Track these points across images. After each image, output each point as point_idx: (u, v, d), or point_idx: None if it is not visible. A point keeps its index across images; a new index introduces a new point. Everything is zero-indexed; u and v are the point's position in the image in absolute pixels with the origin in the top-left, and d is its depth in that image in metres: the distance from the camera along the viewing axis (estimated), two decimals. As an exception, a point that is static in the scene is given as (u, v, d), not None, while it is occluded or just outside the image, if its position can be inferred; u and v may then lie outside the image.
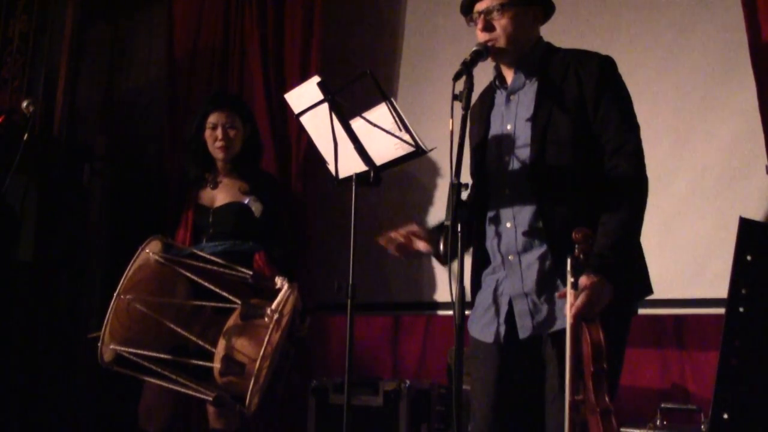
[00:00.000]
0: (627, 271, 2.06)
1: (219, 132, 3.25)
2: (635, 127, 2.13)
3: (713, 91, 3.21)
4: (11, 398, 3.72)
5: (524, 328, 2.14)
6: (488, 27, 2.20)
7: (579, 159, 2.12)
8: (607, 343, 1.88)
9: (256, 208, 3.23)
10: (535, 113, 2.16)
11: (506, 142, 2.22)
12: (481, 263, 2.30)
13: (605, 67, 2.17)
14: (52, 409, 3.88)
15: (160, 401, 3.02)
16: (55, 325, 3.94)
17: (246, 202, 3.24)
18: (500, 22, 2.19)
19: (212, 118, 3.27)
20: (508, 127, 2.23)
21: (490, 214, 2.24)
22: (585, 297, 1.92)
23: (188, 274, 2.73)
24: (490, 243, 2.24)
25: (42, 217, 3.99)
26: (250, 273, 2.79)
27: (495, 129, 2.28)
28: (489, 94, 2.38)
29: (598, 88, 2.13)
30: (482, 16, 2.20)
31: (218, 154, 3.27)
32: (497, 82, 2.32)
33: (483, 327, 2.24)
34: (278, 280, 2.81)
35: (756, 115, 2.96)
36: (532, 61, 2.24)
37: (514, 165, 2.19)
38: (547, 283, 2.13)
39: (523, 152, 2.17)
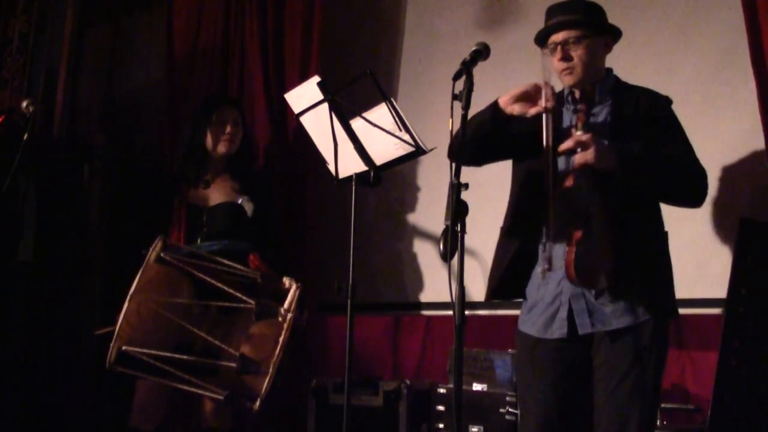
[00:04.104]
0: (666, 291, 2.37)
1: (228, 127, 3.26)
2: (698, 161, 2.38)
3: (713, 91, 3.20)
4: (11, 398, 3.72)
5: (583, 325, 2.32)
6: (566, 57, 2.35)
7: None
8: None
9: (249, 207, 3.24)
10: (612, 135, 2.33)
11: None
12: (528, 259, 2.42)
13: (671, 109, 2.41)
14: (52, 409, 3.87)
15: (155, 399, 3.00)
16: (55, 325, 3.93)
17: (239, 201, 3.24)
18: (577, 52, 2.35)
19: (219, 114, 3.27)
20: None
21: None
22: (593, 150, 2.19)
23: (201, 275, 2.73)
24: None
25: (42, 217, 3.98)
26: (259, 273, 2.82)
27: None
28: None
29: (667, 126, 2.37)
30: (560, 47, 2.35)
31: (222, 149, 3.26)
32: (569, 99, 2.45)
33: (543, 323, 2.38)
34: (286, 281, 2.87)
35: (756, 115, 2.96)
36: (606, 87, 2.42)
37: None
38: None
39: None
